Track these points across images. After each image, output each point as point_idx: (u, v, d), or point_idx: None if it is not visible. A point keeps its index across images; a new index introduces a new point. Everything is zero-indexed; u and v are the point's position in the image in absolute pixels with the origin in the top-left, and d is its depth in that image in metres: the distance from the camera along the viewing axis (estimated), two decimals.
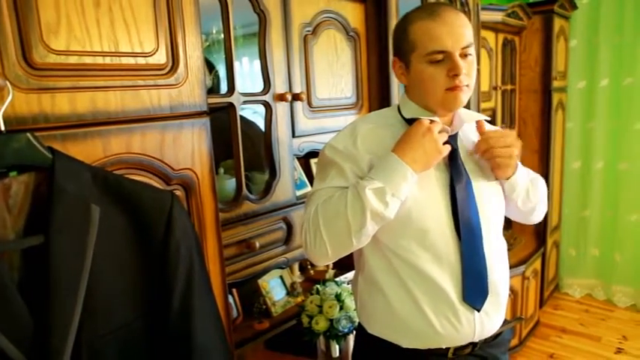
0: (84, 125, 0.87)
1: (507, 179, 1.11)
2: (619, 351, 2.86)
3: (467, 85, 1.02)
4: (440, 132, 1.02)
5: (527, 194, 1.16)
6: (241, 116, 1.54)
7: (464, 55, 1.01)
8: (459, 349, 1.09)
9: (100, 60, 0.87)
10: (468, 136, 1.14)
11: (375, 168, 1.02)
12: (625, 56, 3.18)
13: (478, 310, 1.06)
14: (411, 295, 1.06)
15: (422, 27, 1.00)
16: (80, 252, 0.75)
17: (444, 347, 1.08)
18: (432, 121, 1.03)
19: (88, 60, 0.85)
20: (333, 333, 1.52)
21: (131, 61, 0.92)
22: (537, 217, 1.26)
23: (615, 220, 3.39)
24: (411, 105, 1.11)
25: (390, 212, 0.98)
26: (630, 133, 3.23)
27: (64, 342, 0.72)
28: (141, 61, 0.94)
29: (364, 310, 1.16)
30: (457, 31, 0.99)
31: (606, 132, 3.35)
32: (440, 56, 1.00)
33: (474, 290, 1.05)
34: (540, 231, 3.25)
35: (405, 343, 1.09)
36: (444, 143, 1.03)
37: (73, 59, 0.84)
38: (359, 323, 1.22)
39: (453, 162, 1.07)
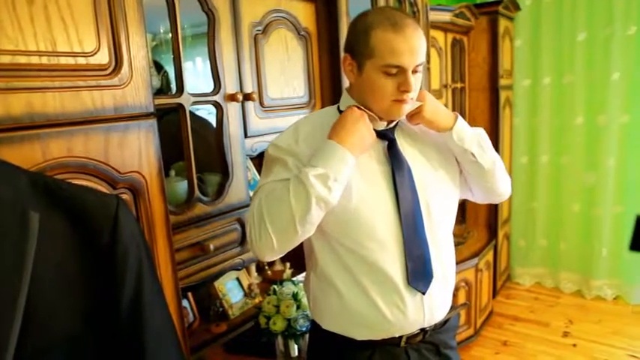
0: (20, 128, 0.83)
1: (450, 129, 1.12)
2: (565, 334, 3.02)
3: (412, 99, 1.07)
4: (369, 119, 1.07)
5: (480, 146, 1.15)
6: (197, 116, 1.52)
7: (414, 71, 1.05)
8: (410, 338, 1.13)
9: (35, 60, 0.83)
10: (409, 126, 1.18)
11: (314, 156, 1.03)
12: (564, 56, 3.35)
13: (423, 293, 1.09)
14: (362, 287, 1.08)
15: (385, 38, 1.01)
16: (18, 262, 0.71)
17: (396, 336, 1.11)
18: (360, 109, 1.07)
19: (22, 60, 0.82)
20: (290, 332, 1.53)
21: (70, 61, 0.89)
22: (503, 185, 1.23)
23: (560, 211, 3.57)
24: (352, 102, 1.13)
25: (333, 197, 1.00)
26: (571, 128, 3.41)
27: (2, 359, 0.68)
28: (81, 61, 0.91)
29: (317, 307, 1.18)
30: (416, 50, 1.03)
31: (550, 128, 3.52)
32: (395, 70, 1.03)
33: (417, 273, 1.08)
34: (492, 224, 3.38)
35: (359, 335, 1.11)
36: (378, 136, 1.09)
37: (5, 59, 0.80)
38: (312, 320, 1.23)
39: (392, 152, 1.11)
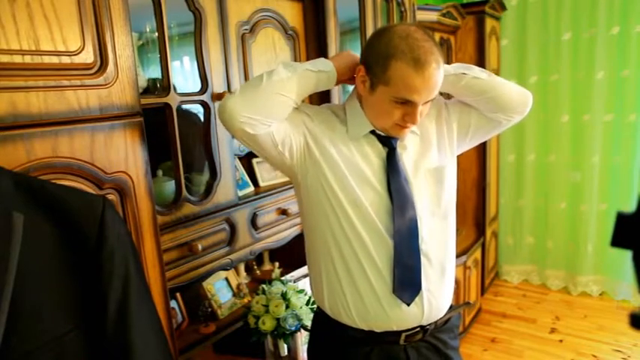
0: (3, 128, 0.81)
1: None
2: (552, 330, 3.06)
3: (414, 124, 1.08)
4: None
5: (464, 68, 1.15)
6: (189, 114, 1.51)
7: (424, 102, 1.05)
8: (410, 336, 1.13)
9: (18, 59, 0.82)
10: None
11: None
12: (550, 55, 3.39)
13: (408, 304, 1.09)
14: (362, 274, 1.10)
15: (404, 73, 0.99)
16: (3, 263, 0.70)
17: (394, 329, 1.12)
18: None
19: (4, 58, 0.80)
20: (280, 332, 1.52)
21: (54, 60, 0.88)
22: (514, 90, 1.18)
23: (546, 209, 3.61)
24: (357, 105, 1.15)
25: (300, 66, 1.07)
26: (557, 126, 3.45)
27: None
28: (65, 60, 0.90)
29: (322, 294, 1.19)
30: (431, 89, 1.02)
31: (536, 126, 3.55)
32: (405, 102, 1.03)
33: (404, 284, 1.09)
34: (480, 222, 3.40)
35: (358, 322, 1.13)
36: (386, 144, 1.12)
37: None
38: (317, 307, 1.25)
39: (391, 161, 1.11)
